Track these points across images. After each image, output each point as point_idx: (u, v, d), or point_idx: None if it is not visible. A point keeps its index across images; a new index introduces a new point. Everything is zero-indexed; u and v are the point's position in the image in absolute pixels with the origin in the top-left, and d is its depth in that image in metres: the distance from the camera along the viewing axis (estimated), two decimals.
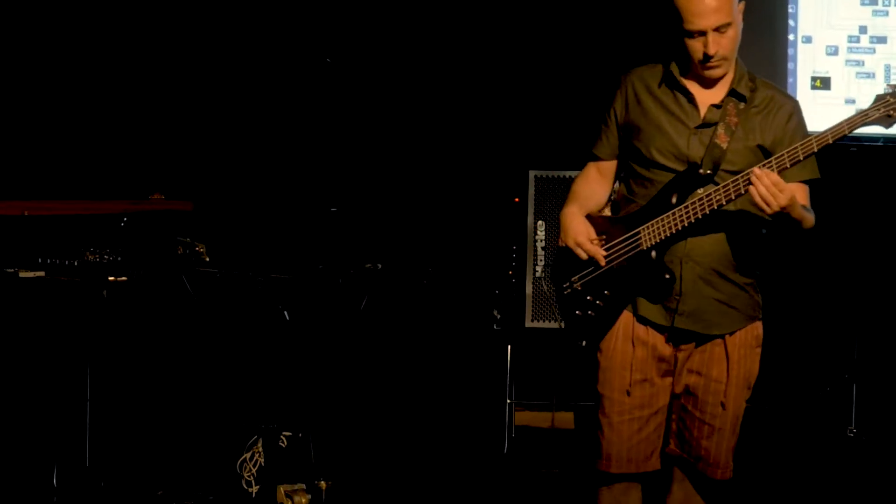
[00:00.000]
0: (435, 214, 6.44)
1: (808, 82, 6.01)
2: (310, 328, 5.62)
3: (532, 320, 5.91)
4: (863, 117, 3.41)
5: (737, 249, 3.67)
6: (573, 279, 3.74)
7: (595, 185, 3.83)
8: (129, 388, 5.60)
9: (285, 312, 5.44)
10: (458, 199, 6.45)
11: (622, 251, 3.71)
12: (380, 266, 5.65)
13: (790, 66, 5.99)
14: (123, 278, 5.21)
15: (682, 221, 3.59)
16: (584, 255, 3.72)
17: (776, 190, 3.40)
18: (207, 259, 5.30)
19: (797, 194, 3.51)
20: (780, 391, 5.98)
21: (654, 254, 3.63)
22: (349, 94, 6.32)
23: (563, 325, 3.81)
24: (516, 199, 5.98)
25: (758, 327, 3.77)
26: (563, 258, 3.75)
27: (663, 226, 3.62)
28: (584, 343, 3.73)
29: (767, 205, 3.41)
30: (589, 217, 3.78)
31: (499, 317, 5.94)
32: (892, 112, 3.39)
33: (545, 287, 5.18)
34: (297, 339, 5.58)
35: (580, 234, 3.72)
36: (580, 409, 5.97)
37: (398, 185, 6.45)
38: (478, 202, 6.42)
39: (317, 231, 5.95)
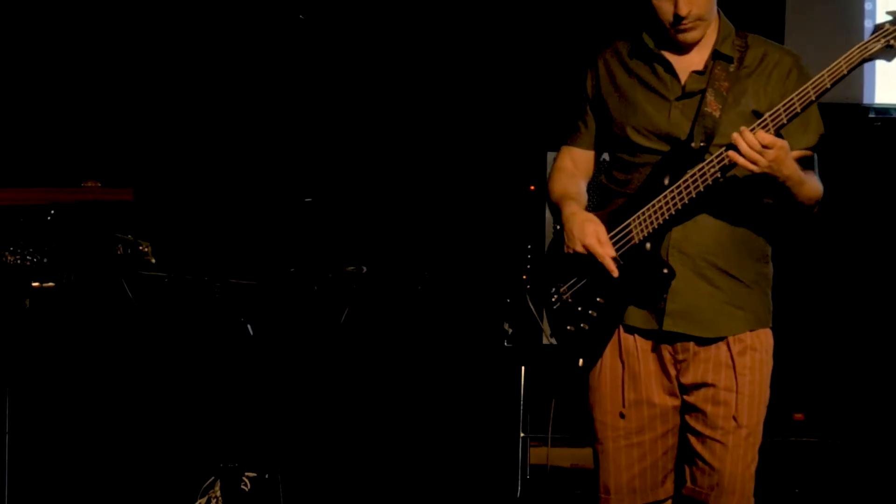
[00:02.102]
0: (432, 206, 6.26)
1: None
2: (278, 345, 5.48)
3: (552, 336, 5.10)
4: (861, 52, 3.32)
5: (739, 238, 3.57)
6: (561, 289, 3.67)
7: (577, 180, 3.77)
8: (56, 417, 5.43)
9: (248, 326, 5.28)
10: (460, 187, 6.27)
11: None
12: (364, 269, 5.49)
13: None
14: (50, 284, 4.99)
15: (675, 205, 3.49)
16: (610, 264, 3.59)
17: (760, 147, 3.34)
18: (153, 260, 5.06)
19: (793, 162, 3.46)
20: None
21: (648, 245, 3.53)
22: (327, 61, 6.20)
23: (553, 341, 3.72)
24: (531, 188, 5.85)
25: (769, 335, 3.64)
26: (547, 266, 3.70)
27: (655, 212, 3.51)
28: (581, 362, 3.65)
29: (754, 163, 3.34)
30: None
31: (510, 331, 5.75)
32: (892, 42, 3.30)
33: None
34: (264, 359, 5.41)
35: (590, 236, 3.60)
36: None
37: (387, 171, 6.27)
38: (484, 191, 6.24)
39: (287, 226, 5.81)
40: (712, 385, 3.62)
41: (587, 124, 3.73)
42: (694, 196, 3.50)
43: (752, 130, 3.36)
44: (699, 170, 3.47)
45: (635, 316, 3.64)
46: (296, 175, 6.07)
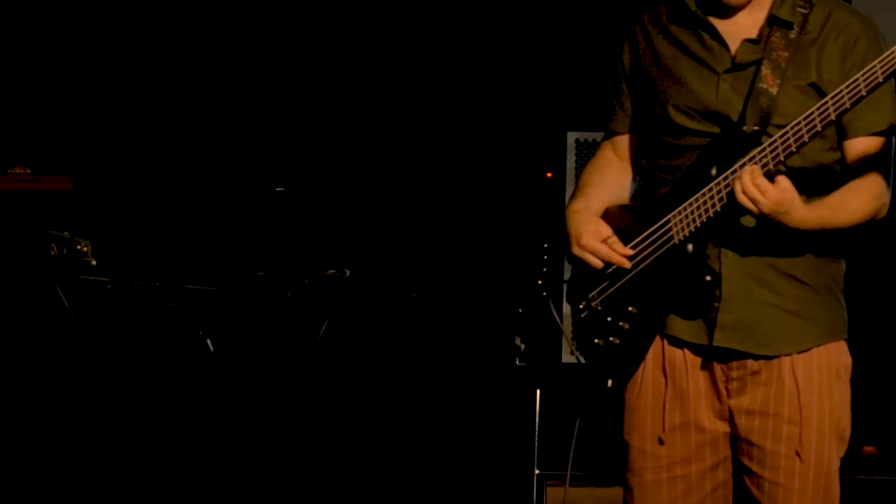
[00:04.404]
0: (429, 197, 6.08)
1: None
2: (244, 364, 5.42)
3: (572, 353, 5.36)
4: None
5: (808, 233, 3.44)
6: (590, 296, 3.63)
7: (608, 170, 3.72)
8: None
9: (208, 341, 5.24)
10: (462, 173, 6.08)
11: (648, 249, 3.55)
12: (348, 272, 5.36)
13: None
14: None
15: (722, 200, 3.41)
16: (597, 263, 3.59)
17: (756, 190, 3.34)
18: (94, 262, 5.03)
19: (803, 207, 3.41)
20: None
21: (690, 247, 3.45)
22: (308, 34, 6.07)
23: (580, 359, 3.70)
24: (548, 175, 5.60)
25: (843, 351, 3.52)
26: (577, 272, 3.67)
27: (698, 208, 3.44)
28: (609, 383, 3.59)
29: (754, 202, 3.34)
30: (606, 211, 3.66)
31: (523, 347, 5.55)
32: None
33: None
34: (226, 381, 5.35)
35: (587, 234, 3.59)
36: None
37: (375, 155, 6.09)
38: (491, 179, 6.05)
39: (255, 221, 5.72)
40: (772, 415, 3.51)
41: (623, 104, 3.69)
42: None
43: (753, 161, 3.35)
44: (751, 159, 3.39)
45: (681, 327, 3.55)
46: (265, 159, 6.01)
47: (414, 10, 6.14)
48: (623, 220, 3.64)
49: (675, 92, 3.52)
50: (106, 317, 5.37)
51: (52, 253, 5.00)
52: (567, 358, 5.53)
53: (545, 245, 5.55)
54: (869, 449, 5.48)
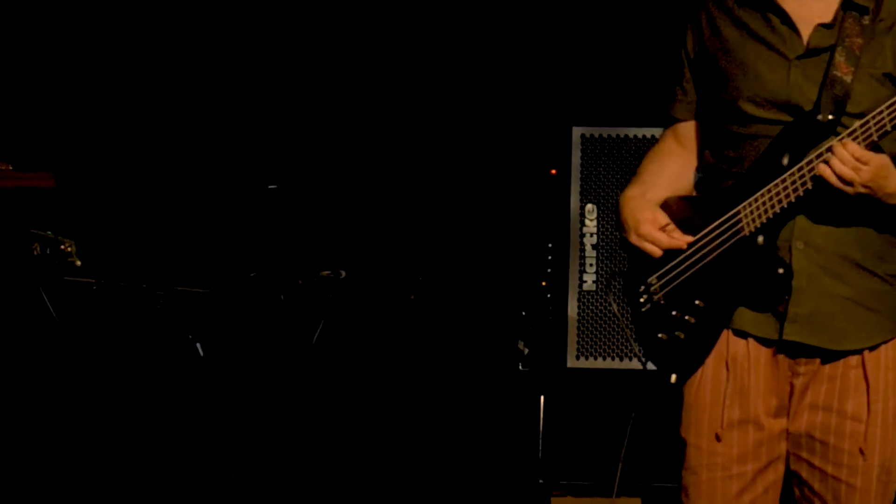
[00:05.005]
0: (428, 195, 6.04)
1: None
2: (235, 370, 5.40)
3: (577, 357, 5.45)
4: None
5: (885, 222, 3.43)
6: (652, 288, 3.57)
7: (669, 159, 3.67)
8: None
9: (198, 345, 5.22)
10: (464, 170, 6.03)
11: (715, 241, 3.50)
12: (344, 274, 5.38)
13: None
14: None
15: (795, 191, 3.39)
16: (656, 252, 3.54)
17: (853, 161, 3.32)
18: (78, 263, 4.94)
19: None
20: None
21: (760, 239, 3.43)
22: (300, 25, 6.03)
23: (642, 358, 3.62)
24: (552, 172, 5.51)
25: None
26: (634, 262, 3.63)
27: (770, 199, 3.40)
28: (673, 379, 3.53)
29: (849, 183, 3.31)
30: (665, 203, 3.62)
31: (526, 352, 5.50)
32: None
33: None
34: (216, 387, 5.33)
35: (644, 222, 3.55)
36: (652, 494, 5.49)
37: (372, 151, 6.04)
38: (495, 176, 6.00)
39: (247, 220, 5.71)
40: (836, 411, 3.51)
41: (686, 91, 3.66)
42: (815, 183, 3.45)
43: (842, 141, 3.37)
44: (827, 149, 3.38)
45: (748, 320, 3.53)
46: (257, 155, 5.96)
47: (415, 2, 6.11)
48: (685, 212, 3.62)
49: (742, 78, 3.49)
50: (91, 320, 5.37)
51: (35, 253, 4.96)
52: (573, 363, 5.47)
53: (549, 245, 5.48)
54: None
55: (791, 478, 3.58)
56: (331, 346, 5.51)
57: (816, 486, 3.52)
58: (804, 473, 3.54)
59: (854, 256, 3.47)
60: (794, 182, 3.43)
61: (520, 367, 5.54)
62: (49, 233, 4.95)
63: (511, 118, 6.07)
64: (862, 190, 3.38)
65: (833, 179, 3.35)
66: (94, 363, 5.46)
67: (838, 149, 3.34)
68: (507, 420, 5.74)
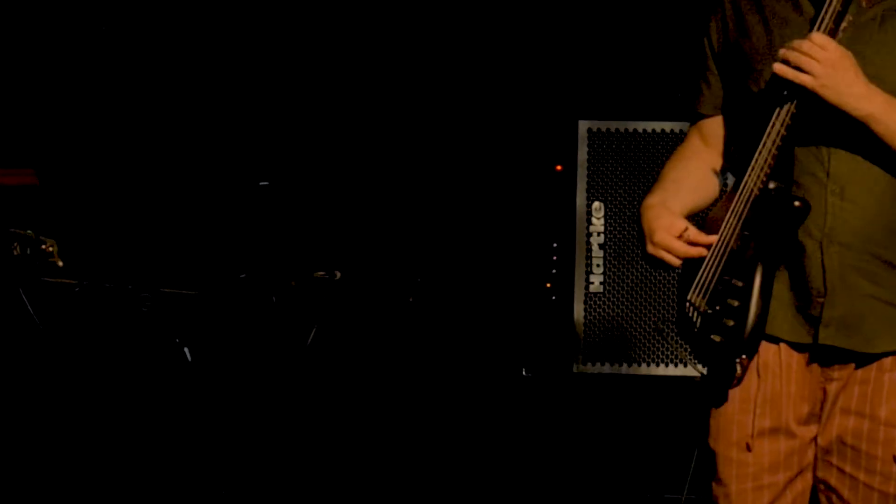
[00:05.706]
0: (429, 192, 6.00)
1: None
2: (225, 375, 5.40)
3: (584, 363, 5.44)
4: None
5: None
6: (693, 299, 3.48)
7: (693, 162, 3.61)
8: None
9: (186, 349, 5.15)
10: (465, 166, 5.98)
11: (734, 221, 3.41)
12: (338, 275, 5.37)
13: None
14: None
15: (784, 123, 3.29)
16: (672, 260, 3.48)
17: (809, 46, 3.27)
18: (60, 263, 4.97)
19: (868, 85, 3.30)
20: None
21: (772, 185, 3.36)
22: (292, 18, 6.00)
23: (701, 370, 3.52)
24: (557, 168, 5.57)
25: None
26: (685, 270, 3.54)
27: (767, 144, 3.35)
28: (700, 377, 3.56)
29: (808, 72, 3.22)
30: (702, 219, 3.55)
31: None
32: None
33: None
34: (206, 392, 5.30)
35: (659, 230, 3.47)
36: None
37: (368, 146, 6.00)
38: (497, 173, 5.96)
39: (237, 219, 5.71)
40: (868, 416, 3.44)
41: (711, 84, 3.60)
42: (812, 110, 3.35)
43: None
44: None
45: (781, 325, 3.46)
46: (248, 151, 5.92)
47: None
48: (717, 214, 3.56)
49: (768, 66, 3.41)
50: (74, 324, 5.37)
51: (15, 253, 4.95)
52: (579, 368, 5.46)
53: (554, 244, 5.52)
54: None
55: (816, 485, 3.52)
56: (325, 352, 5.52)
57: (846, 493, 3.45)
58: (833, 480, 3.47)
59: (885, 254, 3.41)
60: (782, 120, 3.36)
61: (523, 374, 5.58)
62: (30, 232, 4.93)
63: (514, 112, 6.07)
64: (826, 82, 3.27)
65: (796, 59, 3.25)
66: (77, 369, 5.45)
67: (796, 41, 3.30)
68: (509, 429, 5.73)
